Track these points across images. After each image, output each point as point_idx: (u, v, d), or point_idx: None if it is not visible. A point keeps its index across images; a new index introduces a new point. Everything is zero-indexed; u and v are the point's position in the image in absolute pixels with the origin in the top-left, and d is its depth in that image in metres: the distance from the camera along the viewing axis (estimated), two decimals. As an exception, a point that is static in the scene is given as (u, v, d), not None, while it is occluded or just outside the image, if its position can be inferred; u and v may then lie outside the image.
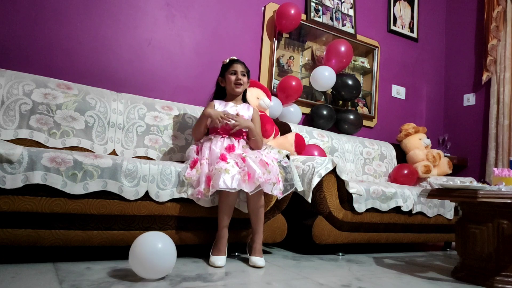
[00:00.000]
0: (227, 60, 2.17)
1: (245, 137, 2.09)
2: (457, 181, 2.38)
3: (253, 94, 2.46)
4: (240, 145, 2.01)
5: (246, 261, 1.86)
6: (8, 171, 1.42)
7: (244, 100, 2.23)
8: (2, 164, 1.41)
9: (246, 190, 1.74)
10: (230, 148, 1.96)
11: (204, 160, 1.90)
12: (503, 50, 3.61)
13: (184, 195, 1.76)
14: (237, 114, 2.06)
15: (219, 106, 2.12)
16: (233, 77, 2.12)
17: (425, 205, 2.54)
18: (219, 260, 1.73)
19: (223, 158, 1.84)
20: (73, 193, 1.53)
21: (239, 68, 2.12)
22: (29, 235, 1.49)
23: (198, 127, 2.08)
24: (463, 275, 1.82)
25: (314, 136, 2.90)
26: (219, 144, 1.98)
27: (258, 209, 1.83)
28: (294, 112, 3.02)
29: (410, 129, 3.23)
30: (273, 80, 3.04)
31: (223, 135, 2.03)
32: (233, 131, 2.00)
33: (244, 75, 2.13)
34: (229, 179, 1.73)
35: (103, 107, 2.15)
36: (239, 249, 2.02)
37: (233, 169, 1.77)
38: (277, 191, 1.84)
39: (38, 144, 1.92)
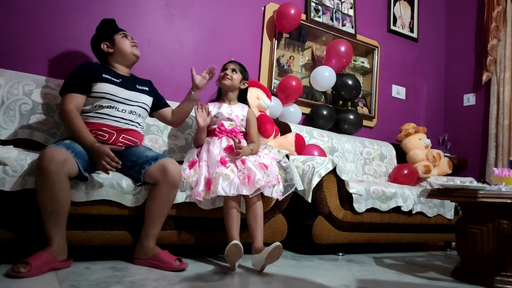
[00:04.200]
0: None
1: (241, 136, 2.10)
2: (457, 181, 2.38)
3: (253, 94, 2.46)
4: None
5: (245, 262, 1.86)
6: (10, 174, 1.42)
7: (243, 101, 2.23)
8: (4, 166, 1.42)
9: (245, 193, 1.74)
10: (230, 149, 1.96)
11: (203, 162, 1.90)
12: (503, 50, 3.61)
13: (183, 196, 1.76)
14: (238, 141, 1.93)
15: (213, 108, 2.12)
16: (222, 74, 2.16)
17: (425, 205, 2.54)
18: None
19: (222, 162, 1.84)
20: (75, 200, 1.53)
21: (230, 66, 2.16)
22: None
23: (196, 138, 2.09)
24: (463, 275, 1.81)
25: (314, 136, 2.90)
26: (217, 145, 1.98)
27: (256, 212, 1.80)
28: (294, 112, 3.02)
29: (410, 129, 3.23)
30: (273, 80, 3.04)
31: (220, 136, 2.03)
32: (238, 158, 1.90)
33: (234, 72, 2.14)
34: (228, 185, 1.73)
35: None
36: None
37: (232, 174, 1.78)
38: (277, 194, 1.84)
39: (38, 144, 1.92)
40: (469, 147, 3.84)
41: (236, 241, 1.62)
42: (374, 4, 3.76)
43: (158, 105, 2.06)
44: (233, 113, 2.11)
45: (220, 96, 2.22)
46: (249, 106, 2.24)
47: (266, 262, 1.62)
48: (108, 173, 1.58)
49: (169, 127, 2.33)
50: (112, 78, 1.82)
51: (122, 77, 1.88)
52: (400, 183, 2.94)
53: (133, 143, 1.83)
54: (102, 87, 1.77)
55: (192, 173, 1.84)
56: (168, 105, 2.11)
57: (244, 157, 1.89)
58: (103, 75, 1.80)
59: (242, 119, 2.13)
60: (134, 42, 1.96)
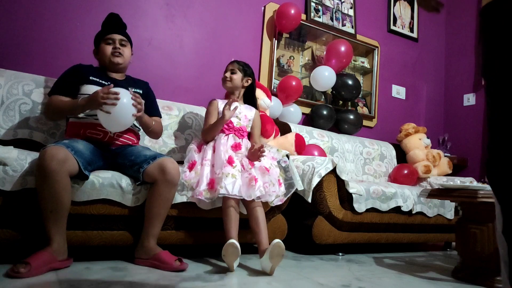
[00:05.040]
0: None
1: (246, 136, 2.10)
2: (457, 181, 2.38)
3: (253, 94, 2.46)
4: (243, 145, 2.01)
5: (246, 262, 1.86)
6: (10, 174, 1.42)
7: (252, 101, 2.22)
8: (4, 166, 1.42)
9: (246, 198, 1.75)
10: (237, 147, 1.96)
11: (206, 161, 1.88)
12: (503, 50, 3.61)
13: (184, 198, 1.76)
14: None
15: (222, 104, 2.11)
16: (223, 77, 2.16)
17: (425, 205, 2.54)
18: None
19: (230, 161, 1.83)
20: (75, 200, 1.53)
21: (229, 67, 2.15)
22: (29, 235, 1.49)
23: (214, 130, 2.01)
24: (463, 275, 1.81)
25: (314, 136, 2.90)
26: (223, 142, 1.96)
27: (257, 216, 1.79)
28: (294, 112, 3.02)
29: (410, 129, 3.23)
30: (273, 80, 3.04)
31: (227, 133, 2.02)
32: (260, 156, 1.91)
33: (233, 73, 2.13)
34: (231, 184, 1.73)
35: (103, 107, 2.14)
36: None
37: (238, 175, 1.79)
38: (277, 200, 1.88)
39: (37, 144, 1.92)
40: (469, 147, 3.84)
41: (233, 240, 1.61)
42: (374, 4, 3.76)
43: (145, 111, 1.86)
44: (242, 112, 2.11)
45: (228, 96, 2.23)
46: (257, 108, 2.23)
47: (273, 263, 1.60)
48: (114, 104, 1.57)
49: (169, 127, 2.33)
50: (101, 81, 1.82)
51: (113, 80, 1.85)
52: (400, 183, 2.93)
53: (129, 141, 1.83)
54: (88, 89, 1.76)
55: (193, 175, 1.83)
56: (155, 114, 1.99)
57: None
58: (90, 77, 1.81)
59: (250, 120, 2.14)
60: (116, 49, 1.84)
